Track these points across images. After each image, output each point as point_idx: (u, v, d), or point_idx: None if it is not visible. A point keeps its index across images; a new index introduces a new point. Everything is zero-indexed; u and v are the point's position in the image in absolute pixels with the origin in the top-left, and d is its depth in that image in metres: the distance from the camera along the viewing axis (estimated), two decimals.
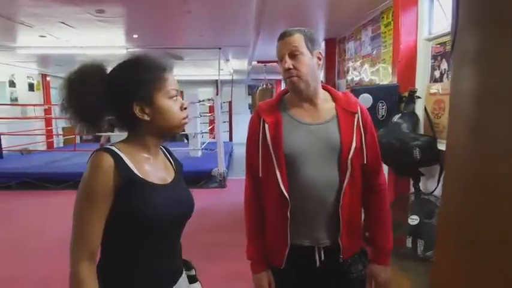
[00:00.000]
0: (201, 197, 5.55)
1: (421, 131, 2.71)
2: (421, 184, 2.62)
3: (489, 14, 0.74)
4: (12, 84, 9.29)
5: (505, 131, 0.71)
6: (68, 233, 0.97)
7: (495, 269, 0.77)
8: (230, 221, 4.28)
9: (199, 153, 7.69)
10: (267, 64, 7.96)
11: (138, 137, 1.05)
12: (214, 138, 7.70)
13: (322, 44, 5.42)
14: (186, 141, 8.31)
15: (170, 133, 1.09)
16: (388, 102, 2.78)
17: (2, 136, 7.72)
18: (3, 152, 7.69)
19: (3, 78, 8.96)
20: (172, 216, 1.04)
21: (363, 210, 1.41)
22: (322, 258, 1.31)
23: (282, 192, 1.26)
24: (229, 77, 11.03)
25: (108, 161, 0.96)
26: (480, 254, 0.80)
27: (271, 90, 9.22)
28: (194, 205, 1.14)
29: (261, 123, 1.32)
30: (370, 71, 4.04)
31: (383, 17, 3.70)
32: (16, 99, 9.35)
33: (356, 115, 1.31)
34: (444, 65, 2.64)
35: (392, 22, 3.35)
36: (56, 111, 10.73)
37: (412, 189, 2.69)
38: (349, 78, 4.85)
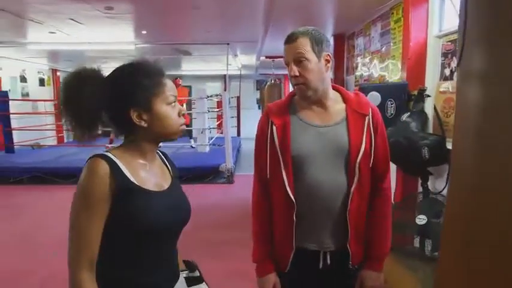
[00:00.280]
0: (209, 193, 5.60)
1: (430, 130, 2.68)
2: (429, 183, 2.60)
3: (498, 32, 0.74)
4: (23, 79, 9.41)
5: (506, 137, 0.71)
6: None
7: (497, 268, 0.76)
8: (237, 218, 4.28)
9: (207, 149, 7.72)
10: (275, 59, 7.92)
11: (135, 142, 1.04)
12: (222, 133, 7.71)
13: (331, 40, 5.37)
14: (190, 139, 8.30)
15: (167, 139, 1.07)
16: (397, 100, 2.75)
17: (13, 131, 7.83)
18: (15, 146, 7.80)
19: (15, 73, 9.07)
20: (168, 223, 1.03)
21: None
22: (328, 262, 1.30)
23: (288, 194, 1.26)
24: (237, 72, 11.01)
25: (104, 167, 0.94)
26: (483, 253, 0.80)
27: (279, 86, 9.19)
28: (191, 211, 1.12)
29: (270, 125, 1.31)
30: (380, 67, 4.00)
31: (393, 13, 3.64)
32: (27, 94, 9.48)
33: (367, 117, 1.28)
34: (454, 63, 2.60)
35: (402, 18, 3.30)
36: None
37: (420, 189, 2.67)
38: (358, 74, 4.80)
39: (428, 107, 2.74)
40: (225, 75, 8.65)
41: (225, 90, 7.42)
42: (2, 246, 3.67)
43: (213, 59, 9.10)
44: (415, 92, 2.73)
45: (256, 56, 8.15)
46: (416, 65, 2.90)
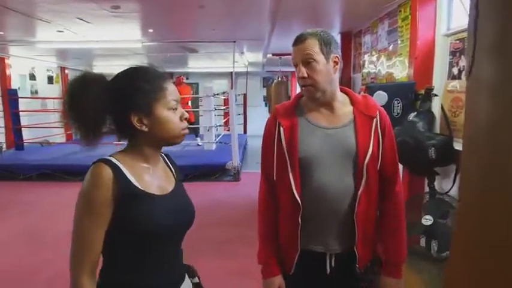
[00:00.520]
0: (215, 191, 5.62)
1: (437, 129, 2.66)
2: (436, 183, 2.58)
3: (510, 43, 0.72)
4: (32, 77, 9.52)
5: None
6: None
7: (508, 270, 0.75)
8: (243, 216, 4.30)
9: (214, 147, 7.74)
10: (282, 57, 7.89)
11: (137, 146, 1.04)
12: (228, 130, 7.72)
13: (338, 38, 5.33)
14: (195, 137, 8.31)
15: (169, 144, 1.06)
16: (404, 99, 2.73)
17: (22, 128, 7.93)
18: (24, 143, 7.90)
19: (24, 71, 9.18)
20: (171, 227, 1.04)
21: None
22: (333, 265, 1.30)
23: (295, 196, 1.26)
24: (244, 69, 11.00)
25: (107, 172, 0.95)
26: (493, 254, 0.79)
27: (286, 83, 9.15)
28: (195, 213, 1.13)
29: (277, 127, 1.31)
30: (387, 64, 3.96)
31: (400, 11, 3.60)
32: (36, 92, 9.58)
33: (374, 119, 1.27)
34: (463, 62, 2.56)
35: (409, 16, 3.26)
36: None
37: (426, 189, 2.65)
38: (365, 71, 4.76)
39: (436, 106, 2.71)
40: (231, 73, 8.65)
41: (231, 88, 7.41)
42: (11, 242, 3.73)
43: (219, 56, 9.10)
44: (422, 92, 2.70)
45: (262, 53, 8.13)
46: (423, 64, 2.87)
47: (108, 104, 0.99)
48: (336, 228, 1.28)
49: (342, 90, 1.34)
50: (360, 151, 1.25)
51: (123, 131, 1.04)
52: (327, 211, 1.27)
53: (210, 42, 6.89)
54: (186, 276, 1.15)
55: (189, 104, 8.49)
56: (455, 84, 2.60)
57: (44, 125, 8.73)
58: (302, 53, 1.24)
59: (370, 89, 2.81)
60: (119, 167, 0.98)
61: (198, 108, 9.09)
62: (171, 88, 1.03)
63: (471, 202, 0.88)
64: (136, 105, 0.99)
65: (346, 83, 5.26)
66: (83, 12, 4.64)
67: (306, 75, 1.23)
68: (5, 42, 6.98)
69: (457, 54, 2.61)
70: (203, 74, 13.30)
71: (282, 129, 1.30)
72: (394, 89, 2.80)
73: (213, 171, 6.28)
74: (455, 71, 2.63)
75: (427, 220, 2.37)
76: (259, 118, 9.75)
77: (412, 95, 2.76)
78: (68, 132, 10.43)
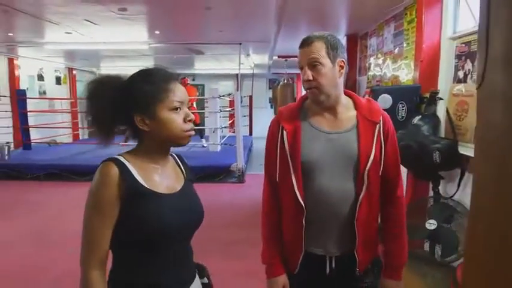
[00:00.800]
0: (220, 192, 5.63)
1: (442, 133, 2.64)
2: (440, 188, 2.56)
3: None
4: (40, 78, 9.63)
5: None
6: None
7: None
8: (248, 217, 4.30)
9: (219, 148, 7.76)
10: (288, 59, 7.90)
11: (145, 146, 1.06)
12: (234, 132, 7.74)
13: (344, 40, 5.33)
14: (201, 138, 8.33)
15: (174, 144, 1.08)
16: (409, 103, 2.72)
17: (30, 128, 8.02)
18: (32, 143, 7.99)
19: (33, 72, 9.29)
20: (179, 226, 1.05)
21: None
22: (334, 267, 1.31)
23: (298, 199, 1.27)
24: (250, 71, 11.02)
25: (114, 171, 0.98)
26: (507, 259, 0.78)
27: (292, 85, 9.16)
28: (203, 213, 1.14)
29: (280, 130, 1.32)
30: (392, 67, 3.95)
31: (406, 14, 3.59)
32: (44, 93, 9.70)
33: (377, 125, 1.27)
34: (468, 65, 2.55)
35: (415, 19, 3.25)
36: (81, 104, 11.09)
37: (431, 193, 2.64)
38: (370, 74, 4.75)
39: (441, 110, 2.70)
40: (237, 74, 8.67)
41: (237, 89, 7.44)
42: (18, 242, 3.77)
43: (225, 58, 9.14)
44: (427, 95, 2.69)
45: (268, 55, 8.14)
46: (429, 67, 2.86)
47: (118, 104, 1.02)
48: (337, 232, 1.29)
49: (346, 94, 1.34)
50: (362, 157, 1.25)
51: (131, 132, 1.07)
52: (327, 215, 1.28)
53: (216, 44, 6.92)
54: (197, 276, 1.16)
55: (194, 105, 8.52)
56: (461, 87, 2.58)
57: (52, 125, 8.83)
58: (308, 56, 1.24)
59: (375, 92, 2.81)
60: (126, 166, 1.00)
61: (203, 109, 9.13)
62: (175, 89, 1.03)
63: (483, 207, 0.88)
64: (139, 106, 1.01)
65: (351, 85, 5.25)
66: (90, 14, 4.69)
67: (311, 78, 1.24)
68: (14, 44, 7.09)
69: (463, 57, 2.60)
70: (209, 75, 13.35)
71: (285, 132, 1.30)
72: (399, 92, 2.79)
73: (218, 172, 6.30)
74: (460, 74, 2.62)
75: (431, 224, 2.36)
76: (265, 120, 9.74)
77: (417, 98, 2.75)
78: (75, 132, 10.54)
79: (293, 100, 7.77)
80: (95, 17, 4.83)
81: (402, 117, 2.70)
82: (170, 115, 1.02)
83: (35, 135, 8.21)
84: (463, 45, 2.61)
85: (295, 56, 1.31)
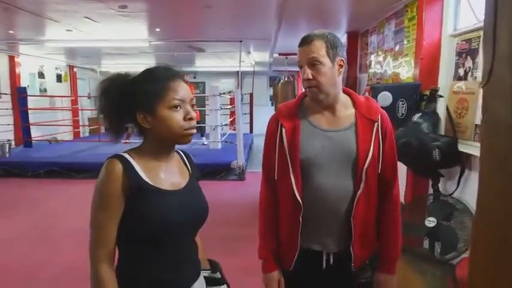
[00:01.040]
0: (220, 190, 5.64)
1: (442, 131, 2.64)
2: (440, 185, 2.56)
3: None
4: (41, 75, 9.64)
5: None
6: None
7: None
8: (248, 214, 4.31)
9: (219, 146, 7.76)
10: (289, 56, 7.89)
11: (149, 144, 1.08)
12: (234, 130, 7.74)
13: (344, 38, 5.32)
14: (201, 136, 8.32)
15: (174, 142, 1.08)
16: (409, 100, 2.72)
17: (31, 126, 8.04)
18: (33, 141, 8.01)
19: (34, 69, 9.30)
20: (183, 222, 1.06)
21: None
22: (331, 263, 1.32)
23: (296, 197, 1.27)
24: (250, 69, 11.01)
25: (118, 168, 1.00)
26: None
27: (293, 83, 9.13)
28: (208, 209, 1.15)
29: (279, 128, 1.32)
30: (393, 65, 3.94)
31: (407, 11, 3.58)
32: (45, 90, 9.71)
33: (376, 123, 1.28)
34: (469, 63, 2.54)
35: (416, 16, 3.24)
36: (82, 102, 11.09)
37: (430, 190, 2.64)
38: (371, 71, 4.74)
39: (441, 107, 2.69)
40: (238, 72, 8.67)
41: (238, 87, 7.43)
42: (19, 238, 3.79)
43: (226, 55, 9.13)
44: (428, 92, 2.69)
45: (269, 53, 8.14)
46: (429, 65, 2.85)
47: (123, 102, 1.04)
48: (334, 228, 1.30)
49: (344, 92, 1.34)
50: (360, 155, 1.26)
51: (137, 129, 1.09)
52: (325, 212, 1.29)
53: (217, 42, 6.91)
54: (201, 273, 1.17)
55: (193, 102, 8.51)
56: (461, 85, 2.58)
57: (52, 122, 8.84)
58: (308, 55, 1.24)
59: (375, 90, 2.80)
60: (130, 163, 1.02)
61: (204, 107, 9.13)
62: (176, 87, 1.04)
63: (488, 207, 0.88)
64: (141, 104, 1.03)
65: (352, 83, 5.24)
66: (90, 11, 4.69)
67: (311, 76, 1.24)
68: (15, 41, 7.10)
69: (463, 55, 2.59)
70: (210, 73, 13.35)
71: (284, 130, 1.31)
72: (399, 90, 2.79)
73: (218, 170, 6.31)
74: (461, 71, 2.62)
75: (431, 222, 2.36)
76: (265, 117, 9.64)
77: (417, 95, 2.74)
78: (76, 130, 10.56)
79: (294, 98, 7.71)
80: (95, 14, 4.83)
81: (402, 114, 2.70)
82: (170, 113, 1.02)
83: (35, 133, 8.23)
84: (464, 42, 2.60)
85: (296, 54, 1.30)
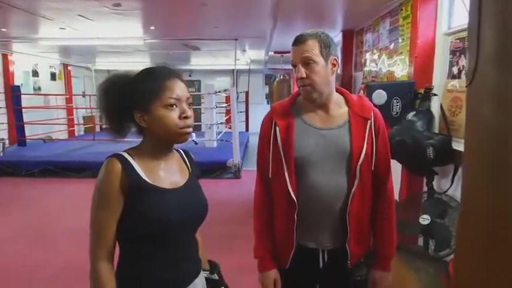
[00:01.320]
0: (216, 188, 5.64)
1: (436, 129, 2.66)
2: (434, 183, 2.58)
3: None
4: (35, 73, 9.55)
5: None
6: (88, 221, 1.04)
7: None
8: (243, 213, 4.31)
9: (215, 144, 7.75)
10: (284, 55, 7.89)
11: (147, 142, 1.09)
12: (230, 128, 7.73)
13: (340, 36, 5.32)
14: (194, 136, 8.24)
15: (170, 141, 1.09)
16: (403, 99, 2.73)
17: (25, 124, 7.97)
18: (27, 140, 7.95)
19: (27, 68, 9.22)
20: (182, 221, 1.06)
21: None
22: (326, 260, 1.33)
23: (290, 195, 1.28)
24: (246, 67, 10.99)
25: (116, 167, 1.01)
26: (503, 246, 0.79)
27: (288, 81, 9.15)
28: (207, 208, 1.16)
29: (273, 126, 1.33)
30: (388, 63, 3.96)
31: (402, 9, 3.59)
32: (39, 89, 9.63)
33: (369, 121, 1.29)
34: (463, 61, 2.56)
35: (410, 15, 3.26)
36: (76, 100, 11.02)
37: (425, 188, 2.65)
38: (366, 70, 4.76)
39: (435, 105, 2.71)
40: (233, 70, 8.67)
41: (233, 85, 7.43)
42: (13, 238, 3.76)
43: (221, 53, 9.10)
44: (422, 91, 2.70)
45: (264, 51, 8.13)
46: (423, 63, 2.87)
47: (122, 102, 1.05)
48: (329, 226, 1.31)
49: (337, 91, 1.36)
50: (354, 152, 1.27)
51: (136, 128, 1.10)
52: (320, 209, 1.30)
53: (212, 40, 6.89)
54: (202, 271, 1.18)
55: (190, 101, 8.49)
56: (455, 83, 2.59)
57: (47, 121, 8.77)
58: (302, 54, 1.25)
59: (370, 88, 2.81)
60: (129, 162, 1.03)
61: (199, 105, 9.11)
62: (172, 86, 1.04)
63: (473, 204, 0.89)
64: (137, 103, 1.04)
65: (347, 81, 5.25)
66: (84, 9, 4.65)
67: (304, 75, 1.25)
68: (8, 39, 7.03)
69: (457, 53, 2.61)
70: (205, 71, 13.31)
71: (277, 128, 1.32)
72: (394, 88, 2.80)
73: (214, 168, 6.30)
74: (455, 70, 2.63)
75: (425, 219, 2.37)
76: (261, 116, 9.52)
77: (411, 94, 2.76)
78: (71, 129, 10.49)
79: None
80: (89, 12, 4.79)
81: (397, 113, 2.71)
82: (165, 112, 1.03)
83: (30, 132, 8.17)
84: (458, 41, 2.61)
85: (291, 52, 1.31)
